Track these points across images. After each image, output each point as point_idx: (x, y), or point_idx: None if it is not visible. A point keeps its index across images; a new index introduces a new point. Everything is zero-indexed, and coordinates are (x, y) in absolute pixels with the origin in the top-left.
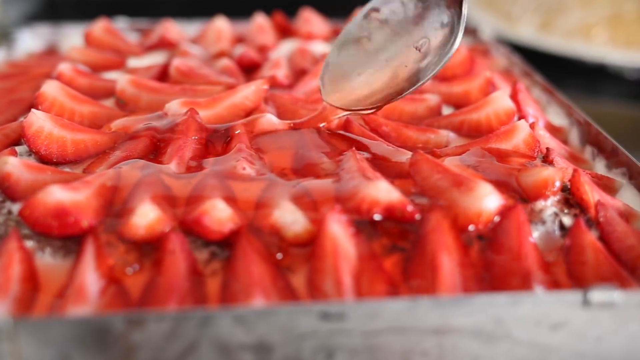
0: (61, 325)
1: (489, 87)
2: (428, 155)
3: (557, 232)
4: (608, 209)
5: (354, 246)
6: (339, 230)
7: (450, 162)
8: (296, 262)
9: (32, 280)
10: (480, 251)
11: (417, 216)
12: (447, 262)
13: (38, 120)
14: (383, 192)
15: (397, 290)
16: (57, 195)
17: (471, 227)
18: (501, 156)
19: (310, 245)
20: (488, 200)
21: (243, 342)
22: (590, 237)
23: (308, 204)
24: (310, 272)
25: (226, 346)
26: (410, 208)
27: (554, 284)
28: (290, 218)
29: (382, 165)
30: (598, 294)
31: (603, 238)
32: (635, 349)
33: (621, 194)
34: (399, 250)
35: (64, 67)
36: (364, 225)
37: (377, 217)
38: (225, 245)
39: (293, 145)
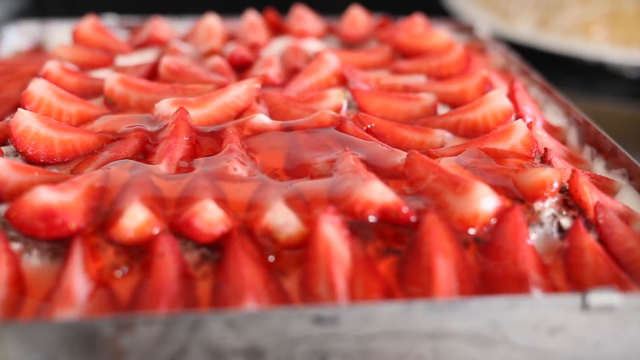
0: (48, 329)
1: (486, 86)
2: (423, 156)
3: (556, 234)
4: (607, 211)
5: (348, 249)
6: (332, 232)
7: (446, 163)
8: (289, 264)
9: (18, 283)
10: (476, 254)
11: (413, 218)
12: (443, 265)
13: (25, 120)
14: (377, 193)
15: (391, 294)
16: (45, 196)
17: (468, 229)
18: (498, 157)
19: (303, 247)
20: (485, 202)
21: (234, 346)
22: (589, 239)
23: (301, 205)
24: (303, 275)
25: (217, 351)
26: (405, 210)
27: (552, 287)
28: (282, 220)
29: (376, 166)
30: (597, 297)
31: (602, 240)
32: (635, 353)
33: (621, 195)
34: (393, 253)
35: (51, 66)
36: (358, 227)
37: (371, 218)
38: (216, 247)
39: (285, 146)
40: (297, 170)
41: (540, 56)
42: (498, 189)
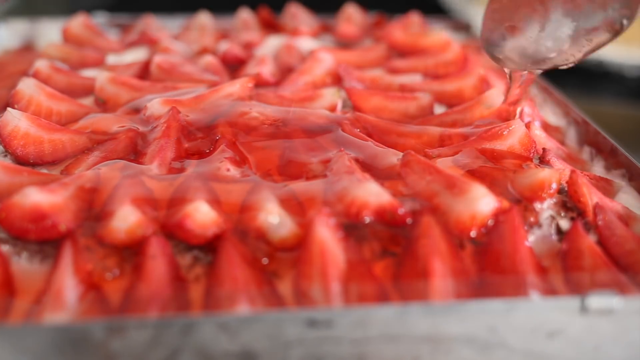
0: (38, 332)
1: (483, 85)
2: (420, 156)
3: (554, 236)
4: (607, 212)
5: (343, 250)
6: (327, 234)
7: (442, 164)
8: (283, 267)
9: (7, 285)
10: (474, 256)
11: (409, 220)
12: (440, 268)
13: (14, 120)
14: (373, 194)
15: (387, 297)
16: (34, 197)
17: (464, 231)
18: (496, 157)
19: (298, 249)
20: (482, 203)
21: (227, 350)
22: (589, 241)
23: (295, 206)
24: (297, 278)
25: (209, 354)
26: (401, 211)
27: (550, 290)
28: (276, 221)
29: (372, 167)
30: (596, 300)
31: (601, 242)
32: (635, 357)
33: (620, 196)
34: (389, 255)
35: (40, 64)
36: (353, 228)
37: (366, 220)
38: (209, 249)
39: (280, 146)
40: (291, 170)
41: None
42: (495, 189)
